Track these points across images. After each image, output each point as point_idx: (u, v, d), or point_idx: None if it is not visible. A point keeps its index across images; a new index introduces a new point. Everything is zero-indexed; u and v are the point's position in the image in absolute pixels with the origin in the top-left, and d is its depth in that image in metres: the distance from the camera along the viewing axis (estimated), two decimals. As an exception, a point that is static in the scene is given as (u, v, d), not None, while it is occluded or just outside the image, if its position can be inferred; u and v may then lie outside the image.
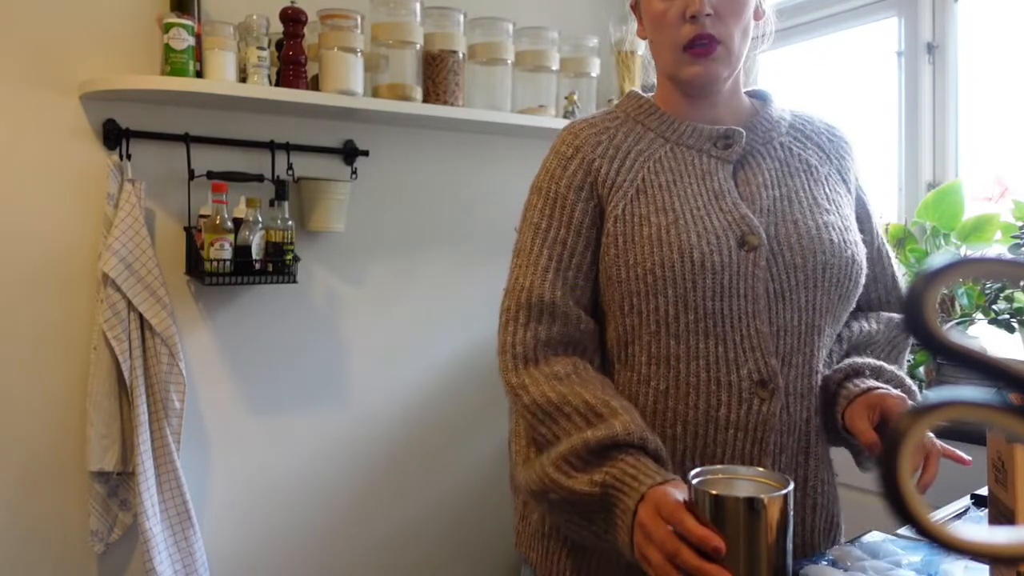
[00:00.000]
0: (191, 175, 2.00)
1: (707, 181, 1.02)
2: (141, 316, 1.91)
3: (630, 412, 0.92)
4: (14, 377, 1.89)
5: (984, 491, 1.00)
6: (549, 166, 1.06)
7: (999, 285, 1.82)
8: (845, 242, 1.02)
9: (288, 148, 2.13)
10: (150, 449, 1.91)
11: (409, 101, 2.12)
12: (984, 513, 1.08)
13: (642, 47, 2.49)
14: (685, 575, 0.75)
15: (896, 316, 1.14)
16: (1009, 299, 1.81)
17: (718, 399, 0.96)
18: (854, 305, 1.06)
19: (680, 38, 1.01)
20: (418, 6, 2.12)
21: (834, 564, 0.94)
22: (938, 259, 0.37)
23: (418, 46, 2.14)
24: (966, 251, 1.99)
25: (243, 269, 1.95)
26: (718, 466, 0.80)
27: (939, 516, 1.10)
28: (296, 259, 2.02)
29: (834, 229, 1.02)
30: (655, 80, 1.13)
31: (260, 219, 1.98)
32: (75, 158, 1.93)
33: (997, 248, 1.95)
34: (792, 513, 0.75)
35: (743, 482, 0.77)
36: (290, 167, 2.13)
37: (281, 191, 2.03)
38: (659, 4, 1.02)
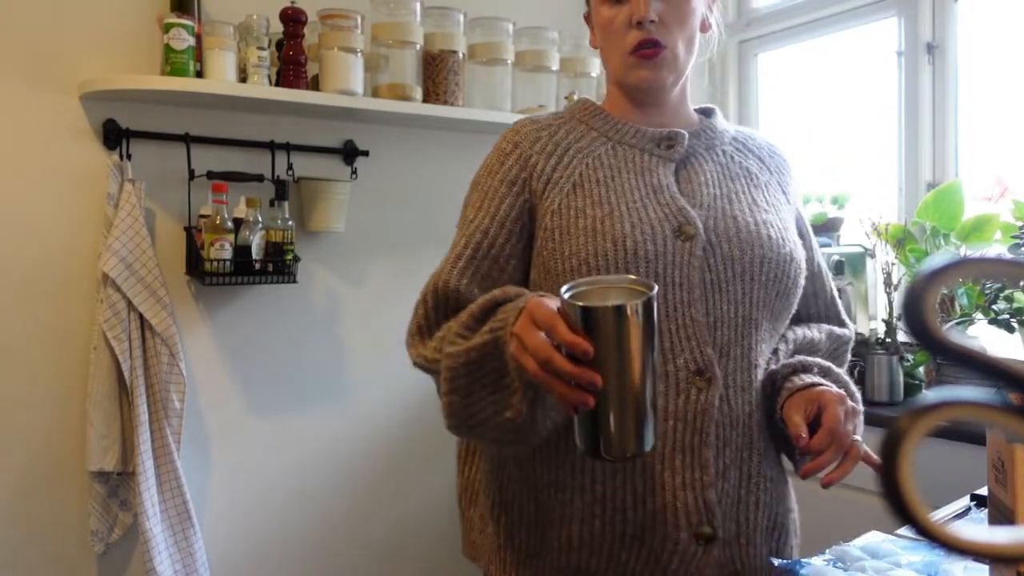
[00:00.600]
0: (191, 175, 2.00)
1: (646, 177, 1.03)
2: (141, 316, 1.91)
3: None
4: (14, 377, 1.89)
5: (984, 491, 1.00)
6: (488, 162, 1.08)
7: (999, 285, 1.82)
8: (783, 239, 1.03)
9: (288, 148, 2.13)
10: (150, 449, 1.91)
11: (409, 101, 2.12)
12: (984, 513, 1.08)
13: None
14: (558, 380, 0.76)
15: (836, 329, 1.15)
16: (1009, 299, 1.82)
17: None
18: (794, 305, 1.06)
19: (627, 44, 1.03)
20: (418, 6, 2.12)
21: (834, 564, 0.94)
22: (938, 259, 0.37)
23: (418, 46, 2.14)
24: (966, 251, 2.00)
25: (243, 269, 1.95)
26: (586, 279, 0.81)
27: (939, 516, 1.10)
28: (296, 259, 2.02)
29: (772, 227, 1.03)
30: None
31: (260, 219, 1.98)
32: (75, 158, 1.93)
33: (997, 248, 1.95)
34: (657, 317, 0.77)
35: (612, 290, 0.79)
36: (290, 167, 2.13)
37: (281, 191, 2.03)
38: (607, 12, 1.05)
